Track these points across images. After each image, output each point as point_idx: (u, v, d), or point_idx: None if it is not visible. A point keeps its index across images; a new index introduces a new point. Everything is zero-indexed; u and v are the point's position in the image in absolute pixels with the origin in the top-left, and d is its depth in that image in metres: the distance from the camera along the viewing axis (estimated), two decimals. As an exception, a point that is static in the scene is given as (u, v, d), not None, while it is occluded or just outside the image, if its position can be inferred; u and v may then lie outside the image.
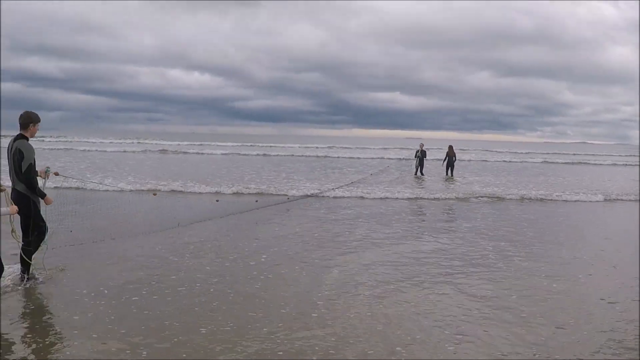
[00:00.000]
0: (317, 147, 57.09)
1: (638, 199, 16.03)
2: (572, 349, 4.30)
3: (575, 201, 15.33)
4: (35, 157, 5.51)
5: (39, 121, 5.62)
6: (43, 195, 5.59)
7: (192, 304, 5.14)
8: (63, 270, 6.17)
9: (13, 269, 5.75)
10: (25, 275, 5.61)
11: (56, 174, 6.40)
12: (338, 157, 39.49)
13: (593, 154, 60.66)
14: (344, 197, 14.53)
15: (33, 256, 5.65)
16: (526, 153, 55.01)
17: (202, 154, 40.03)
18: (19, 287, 5.47)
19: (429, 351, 4.18)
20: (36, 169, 5.58)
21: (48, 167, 6.07)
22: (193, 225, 9.46)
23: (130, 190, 14.68)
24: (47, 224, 5.83)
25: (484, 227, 10.20)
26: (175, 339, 4.26)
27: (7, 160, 5.55)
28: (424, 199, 14.71)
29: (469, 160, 38.30)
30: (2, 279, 5.16)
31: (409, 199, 14.62)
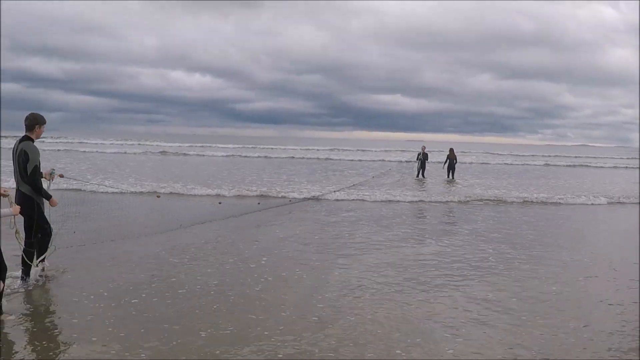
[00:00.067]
0: (318, 150, 57.09)
1: (638, 201, 16.00)
2: (572, 351, 4.30)
3: (580, 204, 15.28)
4: (41, 159, 5.52)
5: (45, 123, 5.64)
6: (49, 197, 5.60)
7: (193, 307, 5.14)
8: (64, 272, 6.18)
9: (14, 270, 5.76)
10: (26, 277, 5.61)
11: (61, 176, 6.41)
12: (339, 160, 39.52)
13: (594, 157, 60.73)
14: (345, 199, 14.52)
15: (45, 258, 5.65)
16: (527, 155, 55.04)
17: (203, 155, 40.09)
18: (21, 289, 5.47)
19: (429, 354, 4.18)
20: (41, 171, 5.59)
21: (53, 169, 6.07)
22: (193, 227, 9.46)
23: (131, 193, 14.69)
24: (52, 226, 5.84)
25: (484, 229, 10.19)
26: (175, 342, 4.25)
27: (11, 162, 5.56)
28: (425, 201, 14.70)
29: (470, 163, 38.33)
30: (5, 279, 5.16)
31: (410, 201, 14.61)
